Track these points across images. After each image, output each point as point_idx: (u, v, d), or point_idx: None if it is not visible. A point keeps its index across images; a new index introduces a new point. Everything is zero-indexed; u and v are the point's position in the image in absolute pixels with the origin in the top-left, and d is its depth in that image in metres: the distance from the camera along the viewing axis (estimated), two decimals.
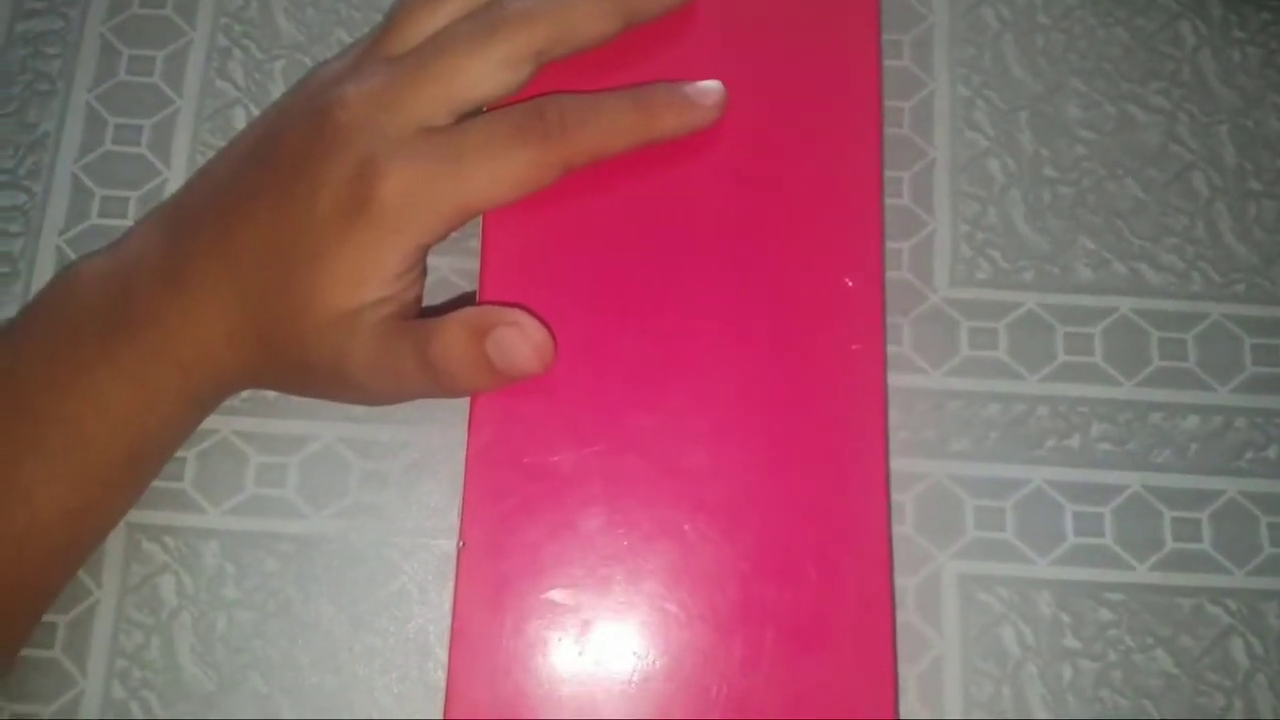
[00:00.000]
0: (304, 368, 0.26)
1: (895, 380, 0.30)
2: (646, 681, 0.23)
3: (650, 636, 0.23)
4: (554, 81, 0.26)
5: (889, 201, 0.31)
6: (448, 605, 0.29)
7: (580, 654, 0.23)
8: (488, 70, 0.24)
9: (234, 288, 0.26)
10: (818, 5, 0.27)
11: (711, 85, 0.25)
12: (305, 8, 0.33)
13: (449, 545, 0.29)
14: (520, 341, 0.23)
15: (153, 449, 0.28)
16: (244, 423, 0.30)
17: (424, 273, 0.26)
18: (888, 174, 0.31)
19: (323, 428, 0.30)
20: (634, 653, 0.23)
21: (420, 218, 0.24)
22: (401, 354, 0.25)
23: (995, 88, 0.32)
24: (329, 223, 0.24)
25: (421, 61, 0.25)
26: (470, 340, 0.24)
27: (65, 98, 0.32)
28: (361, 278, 0.24)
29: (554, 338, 0.24)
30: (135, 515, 0.29)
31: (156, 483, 0.29)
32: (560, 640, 0.24)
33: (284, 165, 0.25)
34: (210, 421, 0.30)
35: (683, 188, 0.26)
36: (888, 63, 0.32)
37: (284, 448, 0.30)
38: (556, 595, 0.24)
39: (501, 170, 0.24)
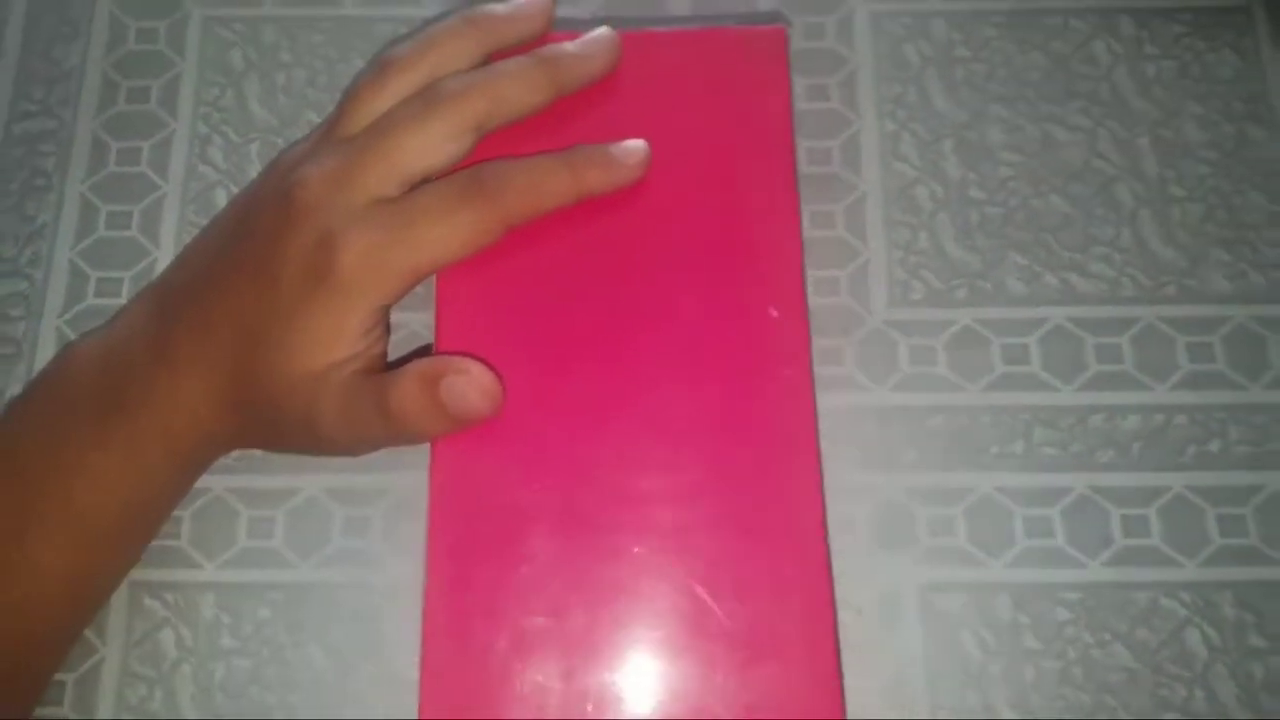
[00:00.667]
0: (281, 426, 0.28)
1: (841, 399, 0.32)
2: (607, 700, 0.25)
3: (610, 655, 0.25)
4: (494, 146, 0.28)
5: (823, 233, 0.33)
6: None
7: (543, 677, 0.25)
8: (431, 144, 0.27)
9: (216, 359, 0.28)
10: (731, 56, 0.29)
11: (635, 145, 0.28)
12: (276, 94, 0.36)
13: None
14: (469, 387, 0.26)
15: (148, 515, 0.31)
16: (235, 480, 0.32)
17: (387, 330, 0.29)
18: (821, 208, 0.33)
19: (307, 480, 0.32)
20: (597, 671, 0.25)
21: (377, 282, 0.27)
22: (365, 406, 0.27)
23: (920, 120, 0.34)
24: (296, 292, 0.27)
25: (369, 141, 0.27)
26: (424, 389, 0.26)
27: (60, 190, 0.35)
28: (327, 340, 0.27)
29: (503, 382, 0.26)
30: (137, 573, 0.32)
31: (155, 542, 0.32)
32: (525, 665, 0.25)
33: (255, 243, 0.28)
34: (203, 480, 0.32)
35: (616, 237, 0.28)
36: (816, 105, 0.34)
37: (271, 501, 0.32)
38: (520, 621, 0.26)
39: (448, 232, 0.27)
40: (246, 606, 0.31)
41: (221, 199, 0.35)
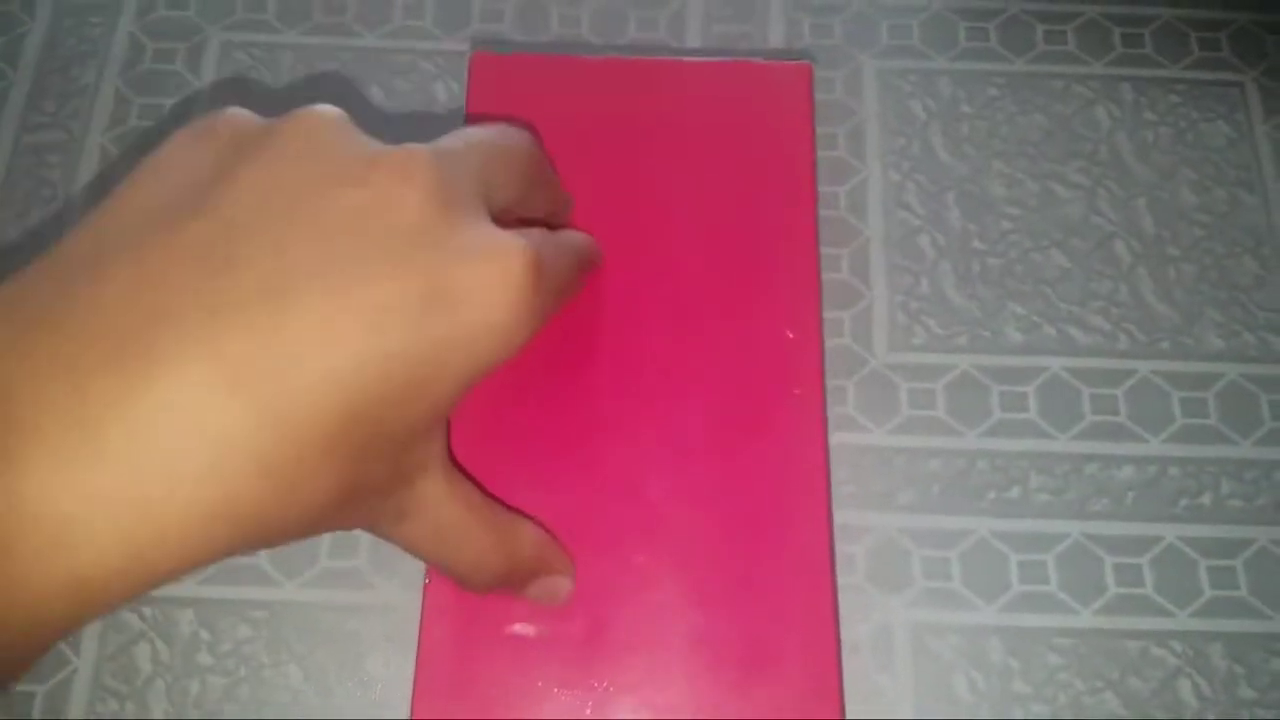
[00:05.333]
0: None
1: (841, 439, 0.34)
2: (606, 706, 0.27)
3: (609, 661, 0.27)
4: None
5: (829, 276, 0.36)
6: (410, 669, 0.33)
7: (542, 682, 0.27)
8: None
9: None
10: (757, 88, 0.32)
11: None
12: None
13: (415, 609, 0.33)
14: (561, 592, 0.27)
15: None
16: None
17: None
18: (827, 251, 0.37)
19: None
20: (596, 677, 0.27)
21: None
22: (454, 509, 0.25)
23: (924, 171, 0.38)
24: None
25: None
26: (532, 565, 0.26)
27: (65, 203, 0.38)
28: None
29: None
30: None
31: None
32: (522, 670, 0.27)
33: None
34: None
35: (638, 257, 0.31)
36: (824, 153, 0.38)
37: None
38: (518, 629, 0.28)
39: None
40: (226, 623, 0.33)
41: None
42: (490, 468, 0.29)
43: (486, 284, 0.21)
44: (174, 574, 0.17)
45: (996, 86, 0.39)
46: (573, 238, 0.28)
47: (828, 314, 0.36)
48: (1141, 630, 0.32)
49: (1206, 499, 0.34)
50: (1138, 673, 0.32)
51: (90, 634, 0.33)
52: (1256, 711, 0.32)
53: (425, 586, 0.28)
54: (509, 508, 0.27)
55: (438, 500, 0.24)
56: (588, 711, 0.27)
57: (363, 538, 0.34)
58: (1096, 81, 0.39)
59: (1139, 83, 0.39)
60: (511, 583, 0.26)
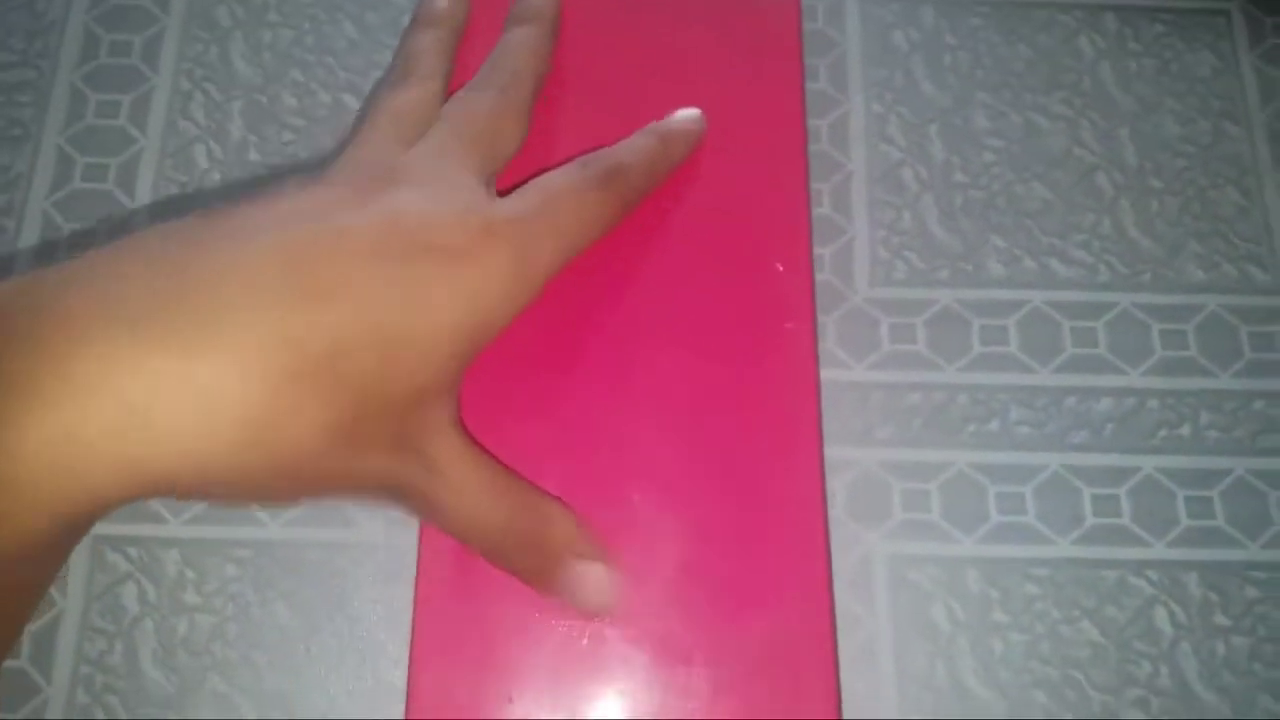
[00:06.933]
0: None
1: (823, 374, 0.35)
2: (600, 699, 0.27)
3: (604, 655, 0.27)
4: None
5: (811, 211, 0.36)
6: (398, 605, 0.33)
7: (538, 615, 0.27)
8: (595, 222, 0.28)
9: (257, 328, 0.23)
10: (744, 19, 0.32)
11: (695, 112, 0.31)
12: (262, 53, 0.39)
13: (402, 546, 0.34)
14: (603, 583, 0.27)
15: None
16: None
17: None
18: (810, 186, 0.37)
19: None
20: (591, 669, 0.27)
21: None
22: (478, 478, 0.25)
23: (906, 103, 0.38)
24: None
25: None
26: (565, 548, 0.26)
27: (37, 140, 0.38)
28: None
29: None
30: (100, 528, 0.34)
31: None
32: (517, 663, 0.27)
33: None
34: None
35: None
36: (806, 85, 0.38)
37: None
38: (512, 616, 0.28)
39: (584, 222, 0.27)
40: (212, 563, 0.34)
41: (201, 155, 0.38)
42: (486, 414, 0.29)
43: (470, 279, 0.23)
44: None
45: (980, 16, 0.39)
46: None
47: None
48: (1118, 560, 0.33)
49: (1185, 430, 0.35)
50: (1114, 601, 0.33)
51: (77, 575, 0.34)
52: (1231, 638, 0.33)
53: (421, 524, 0.28)
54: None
55: (456, 465, 0.24)
56: (584, 643, 0.27)
57: None
58: (1080, 11, 0.39)
59: (1123, 12, 0.39)
60: (544, 558, 0.26)
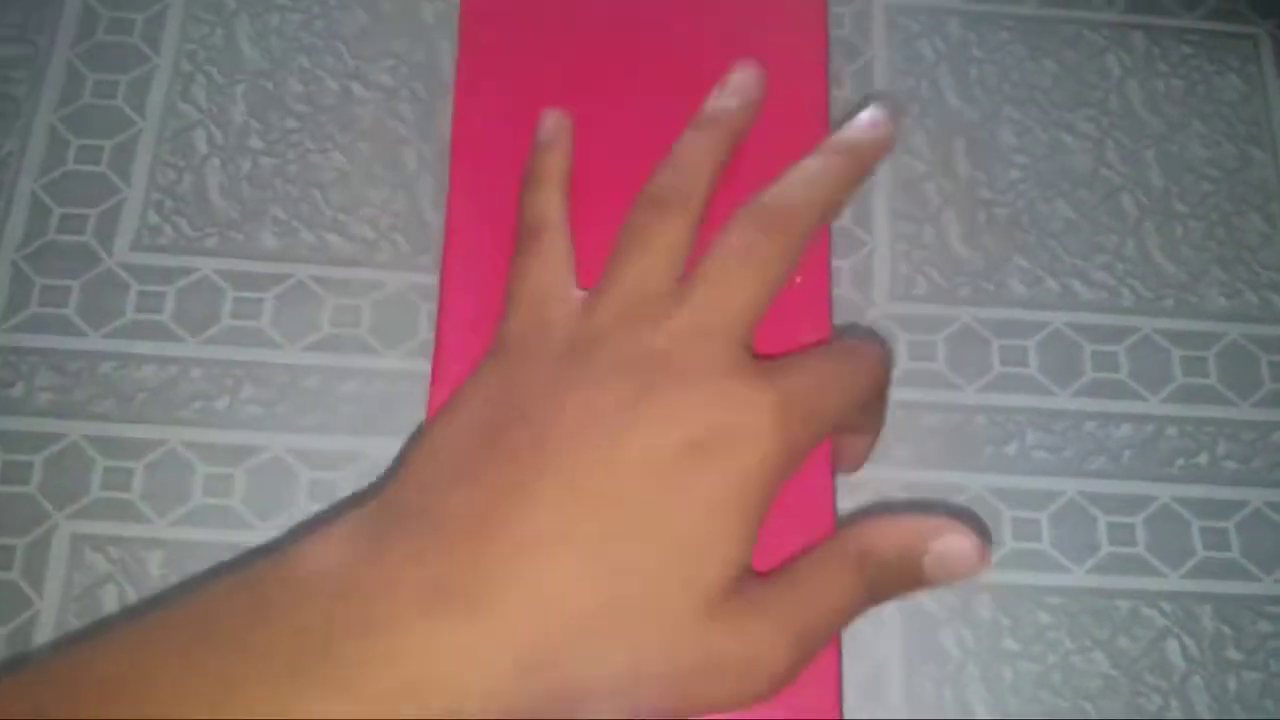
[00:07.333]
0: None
1: None
2: None
3: None
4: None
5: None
6: None
7: None
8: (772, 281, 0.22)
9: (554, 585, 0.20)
10: (770, 27, 0.31)
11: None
12: (269, 36, 0.38)
13: None
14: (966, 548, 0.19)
15: None
16: (191, 433, 0.33)
17: None
18: None
19: (271, 438, 0.33)
20: None
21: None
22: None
23: (932, 115, 0.37)
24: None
25: (714, 291, 0.21)
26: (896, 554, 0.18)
27: (29, 119, 0.36)
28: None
29: None
30: (80, 526, 0.32)
31: (102, 492, 0.33)
32: None
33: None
34: (159, 431, 0.33)
35: (646, 158, 0.30)
36: (830, 92, 0.37)
37: (232, 458, 0.33)
38: None
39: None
40: (196, 566, 0.32)
41: (201, 140, 0.37)
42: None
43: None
44: None
45: (1007, 30, 0.38)
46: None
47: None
48: (1132, 590, 0.33)
49: (1203, 459, 0.34)
50: (1127, 632, 0.32)
51: (54, 575, 0.32)
52: (1243, 673, 0.32)
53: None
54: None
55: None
56: None
57: (342, 481, 0.33)
58: (1108, 29, 0.39)
59: (1151, 31, 0.39)
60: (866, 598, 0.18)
